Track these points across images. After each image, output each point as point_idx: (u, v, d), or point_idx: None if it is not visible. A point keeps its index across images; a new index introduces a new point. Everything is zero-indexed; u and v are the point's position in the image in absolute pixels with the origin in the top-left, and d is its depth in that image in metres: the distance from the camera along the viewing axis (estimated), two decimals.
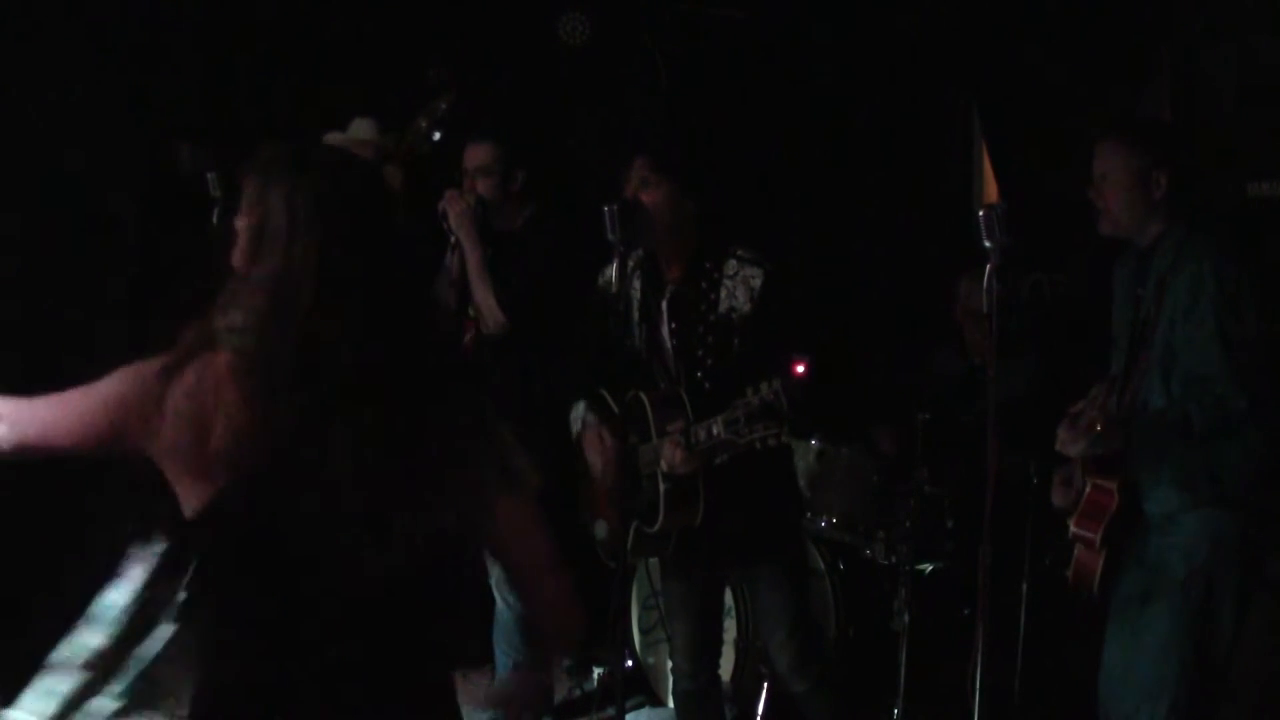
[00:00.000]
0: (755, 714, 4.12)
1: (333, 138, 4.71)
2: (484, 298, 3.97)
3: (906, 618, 3.99)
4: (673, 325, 3.27)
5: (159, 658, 3.14)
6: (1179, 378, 2.87)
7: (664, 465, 3.14)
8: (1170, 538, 2.91)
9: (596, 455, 3.36)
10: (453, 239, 4.00)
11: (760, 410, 2.79)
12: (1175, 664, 2.89)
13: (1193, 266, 2.86)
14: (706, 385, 3.19)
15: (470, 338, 4.12)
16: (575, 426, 3.43)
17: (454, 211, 3.96)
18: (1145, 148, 2.95)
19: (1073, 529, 2.98)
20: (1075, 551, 3.01)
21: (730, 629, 3.99)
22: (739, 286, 3.19)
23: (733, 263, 3.22)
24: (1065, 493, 2.94)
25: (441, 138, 4.40)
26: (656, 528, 3.22)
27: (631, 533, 3.30)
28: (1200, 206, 3.09)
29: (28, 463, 1.96)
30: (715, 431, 2.96)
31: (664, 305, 3.29)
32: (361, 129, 4.69)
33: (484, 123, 4.21)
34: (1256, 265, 2.92)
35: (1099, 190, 3.00)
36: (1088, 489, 2.93)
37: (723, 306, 3.20)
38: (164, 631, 3.15)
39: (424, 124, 4.40)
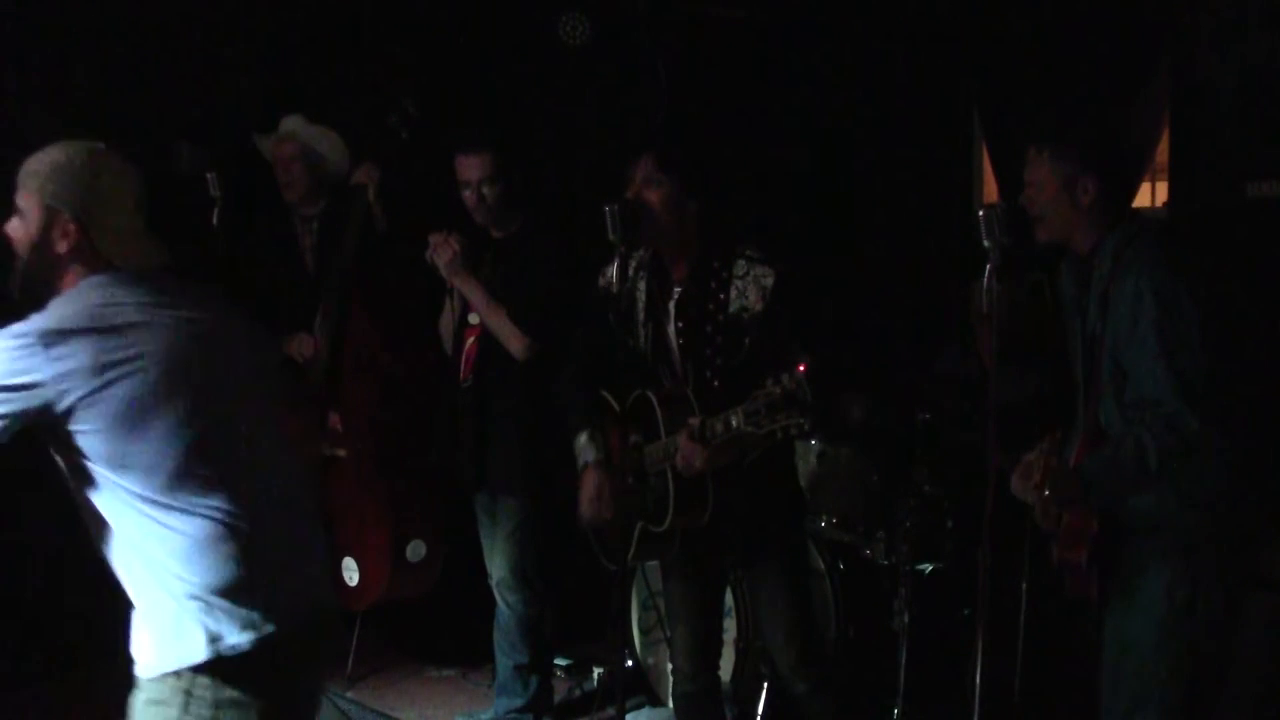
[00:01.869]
0: (755, 714, 4.12)
1: (262, 140, 4.74)
2: (502, 327, 3.98)
3: (906, 618, 3.99)
4: (680, 325, 3.27)
5: None
6: (1131, 400, 2.85)
7: (679, 462, 3.12)
8: (1150, 544, 2.89)
9: (587, 503, 3.36)
10: (449, 284, 4.05)
11: (783, 400, 2.77)
12: (1164, 669, 2.87)
13: (1131, 282, 2.81)
14: (715, 384, 3.18)
15: (470, 345, 4.12)
16: (579, 459, 3.40)
17: (443, 261, 4.00)
18: (1071, 155, 2.91)
19: (1057, 556, 2.97)
20: (1066, 575, 3.00)
21: (730, 629, 3.99)
22: (750, 286, 3.18)
23: (742, 263, 3.21)
24: (1024, 485, 2.88)
25: (410, 136, 4.44)
26: (664, 527, 3.22)
27: (637, 533, 3.30)
28: (1135, 211, 3.07)
29: None
30: (734, 424, 2.93)
31: (671, 305, 3.29)
32: (289, 124, 4.72)
33: (472, 132, 4.21)
34: (1198, 273, 2.84)
35: (1030, 198, 3.00)
36: (1065, 517, 2.92)
37: (733, 306, 3.19)
38: None
39: (393, 121, 4.43)
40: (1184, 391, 2.72)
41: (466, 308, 4.11)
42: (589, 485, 3.36)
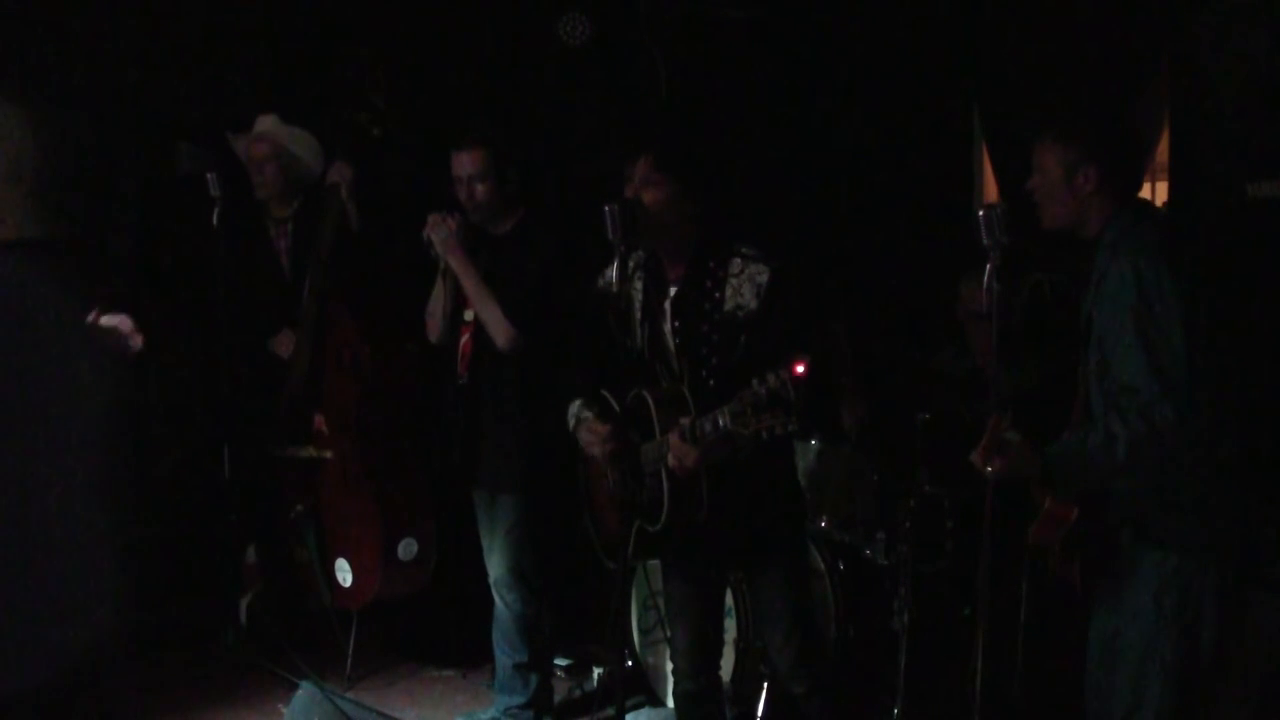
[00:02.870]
0: (755, 714, 4.12)
1: (236, 139, 4.74)
2: (491, 315, 3.96)
3: (906, 618, 3.99)
4: (676, 324, 3.27)
5: None
6: (1111, 386, 2.84)
7: (671, 461, 3.11)
8: (1136, 547, 2.89)
9: (594, 444, 3.35)
10: (442, 265, 4.01)
11: (767, 400, 2.76)
12: (1157, 673, 2.87)
13: (1118, 268, 2.81)
14: (711, 383, 3.18)
15: (465, 342, 4.12)
16: (571, 422, 3.42)
17: (439, 239, 3.97)
18: (1073, 142, 2.92)
19: (1031, 537, 2.97)
20: (1049, 560, 3.00)
21: (730, 629, 3.99)
22: (745, 284, 3.18)
23: (737, 261, 3.21)
24: (975, 458, 2.87)
25: (381, 133, 4.45)
26: (660, 526, 3.22)
27: (634, 533, 3.29)
28: (1141, 200, 3.07)
29: None
30: (721, 423, 2.92)
31: (667, 305, 3.29)
32: (263, 124, 4.72)
33: (468, 128, 4.21)
34: (1187, 263, 2.83)
35: (1035, 185, 3.00)
36: (1048, 501, 2.92)
37: (728, 305, 3.19)
38: None
39: (364, 118, 4.44)
40: (1159, 380, 2.70)
41: (462, 302, 4.08)
42: (586, 434, 3.34)
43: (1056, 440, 2.86)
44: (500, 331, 3.95)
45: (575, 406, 3.41)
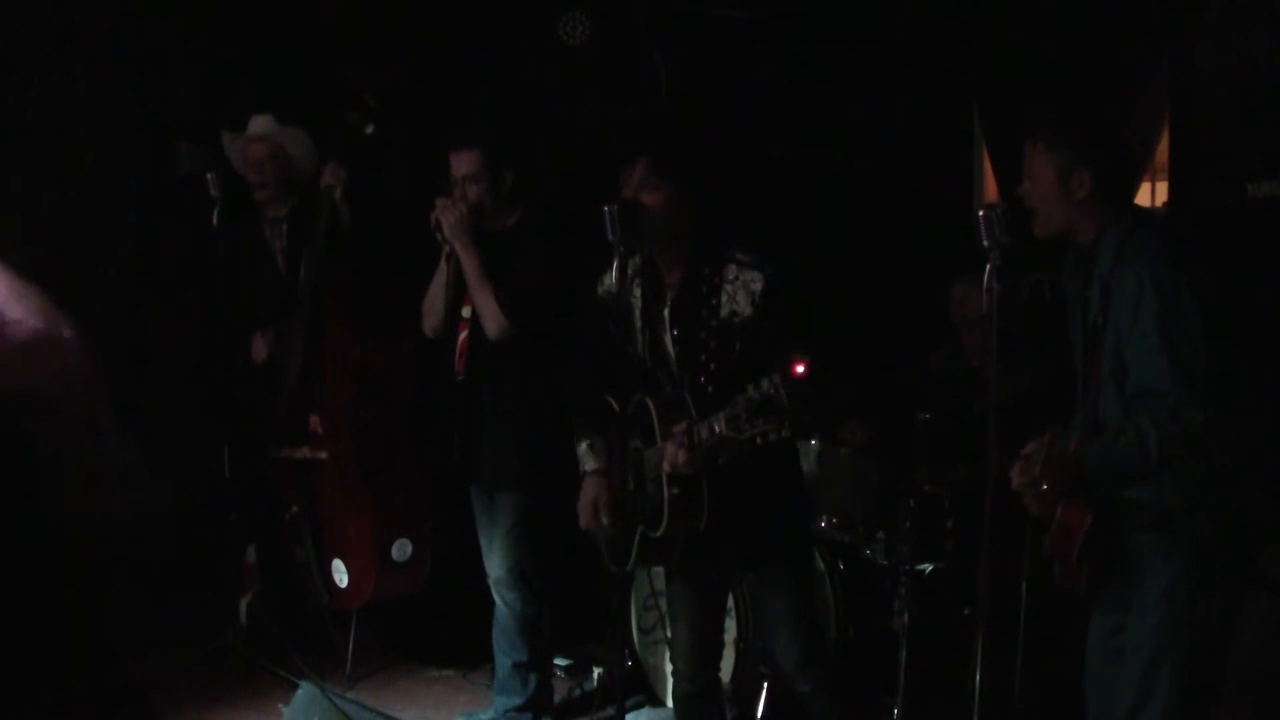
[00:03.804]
0: (755, 714, 4.12)
1: (231, 138, 4.74)
2: (485, 303, 3.96)
3: (906, 618, 3.99)
4: (675, 332, 3.27)
5: None
6: (1131, 393, 2.85)
7: (666, 466, 3.12)
8: (1153, 545, 2.90)
9: (586, 510, 3.39)
10: (448, 248, 4.00)
11: (761, 405, 2.78)
12: (1165, 672, 2.87)
13: (1132, 274, 2.81)
14: (710, 389, 3.18)
15: (463, 339, 4.12)
16: (582, 466, 3.44)
17: (448, 222, 3.95)
18: (1066, 147, 2.91)
19: (1047, 547, 2.97)
20: (1056, 565, 3.00)
21: (730, 629, 3.99)
22: (740, 291, 3.18)
23: (732, 267, 3.21)
24: (1024, 479, 2.86)
25: (374, 130, 4.44)
26: (661, 532, 3.22)
27: (637, 539, 3.29)
28: (1137, 205, 3.07)
29: None
30: (717, 429, 2.94)
31: (665, 313, 3.29)
32: (259, 125, 4.71)
33: (465, 129, 4.21)
34: (1199, 269, 2.84)
35: (1027, 191, 3.00)
36: (1059, 510, 2.92)
37: (724, 311, 3.19)
38: None
39: (356, 117, 4.44)
40: (1186, 384, 2.72)
41: (461, 297, 4.08)
42: (587, 493, 3.38)
43: (1087, 447, 2.87)
44: (492, 320, 3.95)
45: (583, 449, 3.43)
